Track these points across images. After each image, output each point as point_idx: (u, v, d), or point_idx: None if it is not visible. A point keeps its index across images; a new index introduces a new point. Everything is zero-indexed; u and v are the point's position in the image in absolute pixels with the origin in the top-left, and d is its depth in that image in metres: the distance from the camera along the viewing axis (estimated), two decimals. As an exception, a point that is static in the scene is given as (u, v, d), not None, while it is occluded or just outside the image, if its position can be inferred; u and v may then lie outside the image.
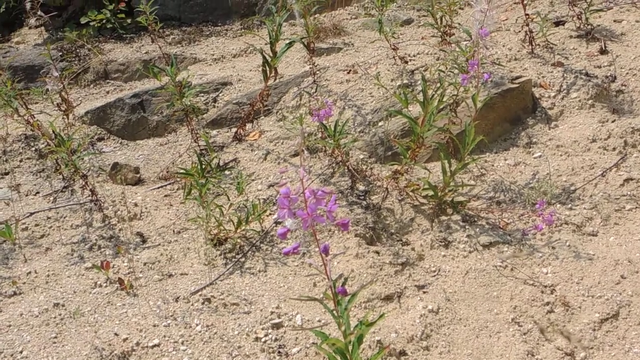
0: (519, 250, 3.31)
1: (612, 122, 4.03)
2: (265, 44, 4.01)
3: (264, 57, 3.86)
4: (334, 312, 2.20)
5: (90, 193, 3.80)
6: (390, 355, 2.82)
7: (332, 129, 3.57)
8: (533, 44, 4.61)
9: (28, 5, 4.46)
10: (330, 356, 2.37)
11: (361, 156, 3.96)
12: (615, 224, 3.43)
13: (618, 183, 3.64)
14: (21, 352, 2.93)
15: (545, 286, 3.09)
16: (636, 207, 3.51)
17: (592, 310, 2.95)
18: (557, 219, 3.45)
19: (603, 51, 4.57)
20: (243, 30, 5.71)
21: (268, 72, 3.89)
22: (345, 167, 3.82)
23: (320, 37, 5.09)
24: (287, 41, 3.83)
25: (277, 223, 3.52)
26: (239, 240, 3.49)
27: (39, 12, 4.44)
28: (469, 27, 3.81)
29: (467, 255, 3.32)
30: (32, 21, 6.48)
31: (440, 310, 3.01)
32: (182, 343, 2.90)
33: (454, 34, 4.65)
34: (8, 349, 2.95)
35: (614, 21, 4.90)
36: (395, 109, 3.84)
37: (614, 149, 3.85)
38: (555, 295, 3.04)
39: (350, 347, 2.27)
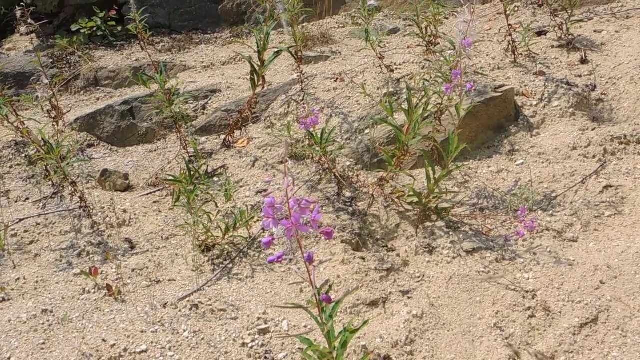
0: (501, 256, 3.32)
1: (592, 130, 4.05)
2: (254, 52, 4.01)
3: (252, 66, 3.85)
4: (319, 319, 2.19)
5: (79, 199, 3.78)
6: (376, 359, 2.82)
7: (319, 136, 3.57)
8: (516, 53, 4.63)
9: (19, 13, 4.44)
10: (315, 362, 2.37)
11: (348, 163, 3.96)
12: (594, 230, 3.45)
13: (598, 190, 3.66)
14: (9, 358, 2.90)
15: (527, 291, 3.09)
16: (615, 214, 3.52)
17: (572, 315, 2.95)
18: (538, 225, 3.46)
19: (583, 61, 4.60)
20: (232, 39, 5.70)
21: (256, 80, 3.89)
22: (332, 174, 3.82)
23: (309, 45, 5.09)
24: (275, 49, 3.82)
25: (264, 230, 3.51)
26: (226, 247, 3.48)
27: (30, 20, 4.42)
28: (452, 38, 3.82)
29: (450, 261, 3.32)
30: (23, 29, 6.45)
31: (424, 315, 3.01)
32: (170, 349, 2.88)
33: (438, 44, 4.66)
34: (-4, 355, 2.93)
35: (594, 31, 4.93)
36: (381, 117, 3.84)
37: (594, 156, 3.87)
38: (537, 301, 3.04)
39: (334, 353, 2.27)
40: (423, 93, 3.49)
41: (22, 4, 4.37)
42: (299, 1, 4.02)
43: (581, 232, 3.44)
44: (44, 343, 2.97)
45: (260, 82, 3.92)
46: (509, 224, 3.49)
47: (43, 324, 3.08)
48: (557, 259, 3.27)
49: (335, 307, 2.21)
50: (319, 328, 2.29)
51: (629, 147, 3.92)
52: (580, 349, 2.82)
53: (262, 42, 3.71)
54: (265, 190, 3.78)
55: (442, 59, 4.00)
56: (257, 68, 3.82)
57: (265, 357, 2.84)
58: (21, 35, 6.76)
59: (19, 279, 3.40)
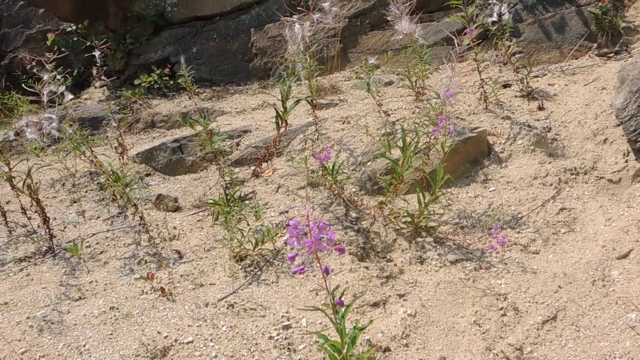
0: (479, 266, 3.26)
1: (549, 163, 4.00)
2: (278, 100, 4.00)
3: (276, 112, 3.84)
4: (333, 319, 2.15)
5: (139, 218, 3.76)
6: (377, 351, 2.77)
7: (331, 168, 3.55)
8: (487, 102, 4.60)
9: (94, 71, 4.47)
10: (329, 353, 2.32)
11: (353, 189, 3.93)
12: (553, 245, 3.39)
13: (554, 212, 3.60)
14: (84, 345, 2.87)
15: (500, 294, 3.04)
16: (569, 231, 3.47)
17: (536, 313, 2.89)
18: (508, 240, 3.41)
19: (541, 108, 4.56)
20: (260, 90, 5.71)
21: (280, 122, 3.87)
22: (341, 199, 3.78)
23: (321, 94, 5.08)
24: (295, 99, 3.81)
25: (286, 244, 3.48)
26: (256, 257, 3.44)
27: (102, 77, 4.44)
28: (437, 89, 3.80)
29: (438, 270, 3.27)
30: (98, 83, 6.49)
31: (417, 314, 2.95)
32: (211, 340, 2.84)
33: (425, 93, 4.64)
34: (74, 343, 2.89)
35: (548, 84, 4.90)
36: (380, 152, 3.81)
37: (551, 184, 3.82)
38: (508, 302, 2.98)
39: (345, 347, 2.22)
40: (414, 133, 3.47)
41: (97, 64, 4.40)
42: (313, 61, 4.02)
43: (542, 246, 3.39)
44: (111, 334, 2.93)
45: (283, 124, 3.91)
46: (485, 240, 3.44)
47: (110, 318, 3.04)
48: (523, 268, 3.21)
49: (346, 310, 2.17)
50: (333, 326, 2.25)
51: (578, 177, 3.87)
52: (542, 341, 2.76)
53: (285, 93, 3.71)
54: (286, 212, 3.74)
55: (429, 106, 3.98)
56: (280, 113, 3.81)
57: (288, 348, 2.79)
58: (95, 88, 6.79)
59: (91, 281, 3.38)
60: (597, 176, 3.86)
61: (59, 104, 3.74)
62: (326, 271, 1.95)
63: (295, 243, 1.90)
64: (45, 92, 3.70)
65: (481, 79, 4.60)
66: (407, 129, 4.08)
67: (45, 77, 3.73)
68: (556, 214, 3.58)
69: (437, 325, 2.90)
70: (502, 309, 2.94)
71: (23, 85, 3.92)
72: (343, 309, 2.14)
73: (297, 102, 3.80)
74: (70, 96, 3.71)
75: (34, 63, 3.81)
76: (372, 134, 4.23)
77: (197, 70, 5.94)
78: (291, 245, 1.90)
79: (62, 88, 3.61)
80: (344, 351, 2.23)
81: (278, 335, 2.85)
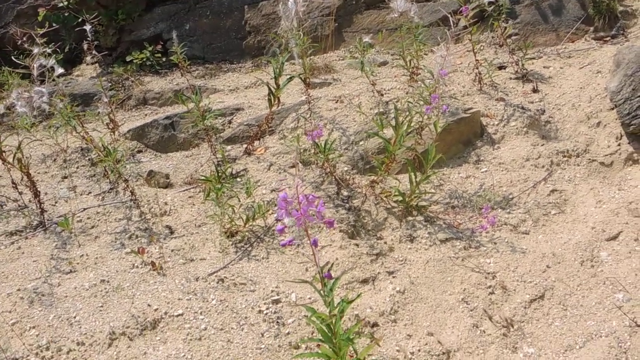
0: (468, 245, 3.31)
1: (542, 145, 4.04)
2: (271, 79, 3.99)
3: (269, 89, 3.84)
4: (322, 292, 2.18)
5: (130, 194, 3.78)
6: (366, 326, 2.81)
7: (323, 146, 3.56)
8: (481, 83, 4.62)
9: (85, 46, 4.44)
10: (318, 327, 2.35)
11: (345, 168, 3.95)
12: (543, 225, 3.43)
13: (545, 193, 3.64)
14: (75, 317, 2.90)
15: (488, 273, 3.08)
16: (559, 212, 3.51)
17: (524, 292, 2.94)
18: (498, 220, 3.45)
19: (535, 90, 4.59)
20: (253, 68, 5.69)
21: (272, 100, 3.88)
22: (333, 177, 3.81)
23: (315, 74, 5.08)
24: (288, 76, 3.81)
25: (278, 220, 3.50)
26: (247, 233, 3.47)
27: (94, 52, 4.42)
28: (431, 69, 3.82)
29: (427, 248, 3.31)
30: (89, 58, 6.45)
31: (406, 291, 3.00)
32: (201, 313, 2.88)
33: (420, 74, 4.65)
34: (64, 314, 2.92)
35: (544, 67, 4.92)
36: (373, 131, 3.83)
37: (543, 166, 3.86)
38: (496, 281, 3.03)
39: (333, 320, 2.26)
40: (407, 113, 3.48)
41: (88, 38, 4.37)
42: (307, 38, 4.01)
43: (532, 227, 3.43)
44: (102, 306, 2.97)
45: (276, 102, 3.91)
46: (475, 219, 3.48)
47: (101, 291, 3.07)
48: (512, 247, 3.26)
49: (335, 283, 2.20)
50: (322, 299, 2.28)
51: (570, 160, 3.91)
52: (529, 319, 2.81)
53: (278, 70, 3.70)
54: (278, 189, 3.77)
55: (423, 86, 3.99)
56: (273, 90, 3.81)
57: (277, 322, 2.83)
58: (87, 64, 6.75)
59: (82, 255, 3.40)
60: (590, 159, 3.89)
61: (50, 79, 3.73)
62: (315, 243, 1.98)
63: (285, 215, 1.92)
64: (35, 66, 3.69)
65: (476, 60, 4.61)
66: (401, 108, 4.10)
67: (36, 50, 3.71)
68: (547, 196, 3.62)
69: (425, 302, 2.95)
70: (490, 287, 2.99)
71: (13, 58, 3.90)
72: (331, 282, 2.17)
73: (290, 79, 3.80)
74: (61, 70, 3.68)
75: (24, 38, 3.78)
76: (365, 114, 4.24)
77: (190, 48, 5.91)
78: (280, 217, 1.92)
79: (53, 61, 3.59)
80: (332, 325, 2.26)
81: (267, 309, 2.89)
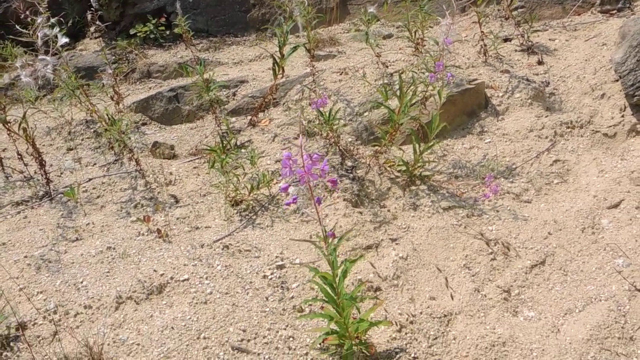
0: (471, 213, 3.34)
1: (546, 117, 4.05)
2: (275, 52, 4.01)
3: (274, 59, 3.86)
4: (325, 251, 2.23)
5: (135, 163, 3.82)
6: (369, 290, 2.86)
7: (327, 115, 3.59)
8: (486, 55, 4.62)
9: (89, 17, 4.46)
10: (321, 288, 2.41)
11: (349, 139, 3.98)
12: (545, 194, 3.47)
13: (548, 163, 3.67)
14: (82, 282, 2.97)
15: (490, 240, 3.12)
16: (561, 182, 3.54)
17: (525, 258, 2.99)
18: (501, 189, 3.48)
19: (540, 62, 4.59)
20: (258, 41, 5.70)
21: (277, 70, 3.90)
22: (337, 147, 3.84)
23: (319, 46, 5.08)
24: (293, 46, 3.83)
25: (283, 190, 3.54)
26: (251, 202, 3.52)
27: (97, 22, 4.44)
28: (437, 38, 3.82)
29: (430, 216, 3.35)
30: (92, 29, 6.44)
31: (408, 257, 3.05)
32: (206, 278, 2.93)
33: (425, 45, 4.65)
34: (72, 280, 2.99)
35: (549, 40, 4.90)
36: (377, 100, 3.85)
37: (547, 137, 3.88)
38: (498, 247, 3.07)
39: (337, 280, 2.31)
40: (412, 81, 3.50)
41: (91, 9, 4.39)
42: (312, 9, 4.02)
43: (534, 196, 3.46)
44: (108, 272, 3.03)
45: (280, 72, 3.93)
46: (478, 188, 3.52)
47: (107, 257, 3.13)
48: (515, 215, 3.30)
49: (338, 242, 2.25)
50: (325, 261, 2.33)
51: (574, 131, 3.92)
52: (530, 284, 2.86)
53: (282, 38, 3.72)
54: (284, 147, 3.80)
55: (428, 57, 4.00)
56: (277, 60, 3.83)
57: (282, 286, 2.89)
58: (90, 39, 6.75)
59: (88, 224, 3.46)
60: (593, 130, 3.91)
61: (54, 49, 3.74)
62: (318, 201, 2.02)
63: (289, 173, 1.96)
64: (39, 35, 3.71)
65: (482, 32, 4.61)
66: (405, 79, 4.11)
67: (39, 19, 3.73)
68: (550, 166, 3.65)
69: (427, 268, 3.00)
70: (492, 253, 3.03)
71: (17, 27, 3.91)
72: (335, 241, 2.22)
73: (295, 48, 3.82)
74: (65, 39, 3.69)
75: (28, 12, 3.80)
76: (370, 83, 4.25)
77: (194, 21, 5.91)
78: (284, 175, 1.96)
79: (56, 30, 3.61)
80: (335, 285, 2.32)
81: (272, 274, 2.95)
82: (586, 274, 2.86)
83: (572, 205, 3.29)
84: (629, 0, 5.35)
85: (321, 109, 3.44)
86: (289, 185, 2.00)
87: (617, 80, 4.12)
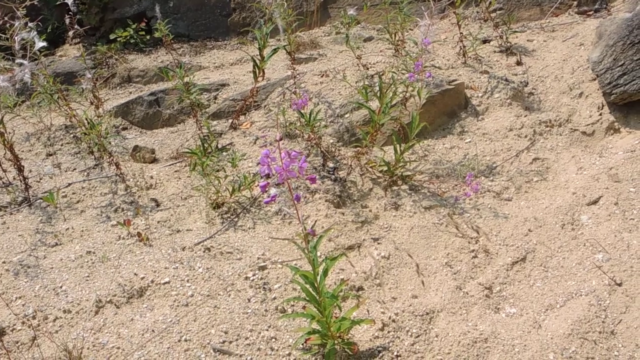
0: (452, 212, 3.36)
1: (525, 116, 4.09)
2: (256, 55, 4.00)
3: (254, 61, 3.85)
4: (305, 250, 2.22)
5: (115, 167, 3.78)
6: (351, 290, 2.86)
7: (308, 116, 3.59)
8: (466, 56, 4.66)
9: (67, 20, 4.42)
10: (302, 287, 2.40)
11: (331, 141, 3.98)
12: (525, 192, 3.49)
13: (528, 162, 3.70)
14: (61, 287, 2.93)
15: (472, 238, 3.14)
16: (541, 180, 3.57)
17: (506, 255, 3.00)
18: (481, 188, 3.50)
19: (519, 63, 4.63)
20: (239, 44, 5.69)
21: (257, 73, 3.89)
22: (318, 149, 3.84)
23: (300, 49, 5.09)
24: (273, 48, 3.82)
25: (261, 188, 3.53)
26: (233, 204, 3.50)
27: (76, 26, 4.40)
28: (416, 38, 3.84)
29: (412, 215, 3.35)
30: (71, 34, 6.39)
31: (390, 256, 3.05)
32: (188, 281, 2.91)
33: (405, 47, 4.68)
34: (51, 285, 2.95)
35: (527, 40, 4.96)
36: (358, 101, 3.86)
37: (526, 136, 3.91)
38: (479, 245, 3.09)
39: (317, 278, 2.30)
40: (392, 81, 3.51)
41: (70, 13, 4.35)
42: (292, 11, 4.02)
43: (515, 194, 3.49)
44: (88, 276, 2.99)
45: (261, 75, 3.92)
46: (459, 188, 3.53)
47: (87, 262, 3.10)
48: (495, 213, 3.31)
49: (319, 240, 2.24)
50: (306, 259, 2.32)
51: (552, 129, 3.96)
52: (511, 281, 2.87)
53: (262, 41, 3.71)
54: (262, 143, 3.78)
55: (407, 58, 4.02)
56: (258, 63, 3.83)
57: (264, 288, 2.87)
58: (70, 45, 6.69)
59: (68, 228, 3.41)
60: (572, 128, 3.95)
61: (31, 54, 3.70)
62: (297, 198, 2.01)
63: (267, 171, 1.96)
64: (17, 40, 3.67)
65: (461, 34, 4.64)
66: (385, 81, 4.12)
67: (17, 23, 3.69)
68: (529, 164, 3.68)
69: (409, 266, 3.00)
70: (473, 251, 3.05)
71: (-6, 33, 3.87)
72: (315, 239, 2.21)
73: (275, 50, 3.81)
74: (42, 43, 3.65)
75: (6, 17, 3.76)
76: (350, 85, 4.26)
77: (174, 25, 5.89)
78: (262, 172, 1.95)
79: (34, 34, 3.57)
80: (317, 283, 2.31)
81: (254, 276, 2.93)
82: (566, 270, 2.88)
83: (552, 202, 3.31)
84: (605, 1, 5.42)
85: (302, 110, 3.44)
86: (268, 183, 1.99)
87: (595, 79, 4.17)
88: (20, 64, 3.54)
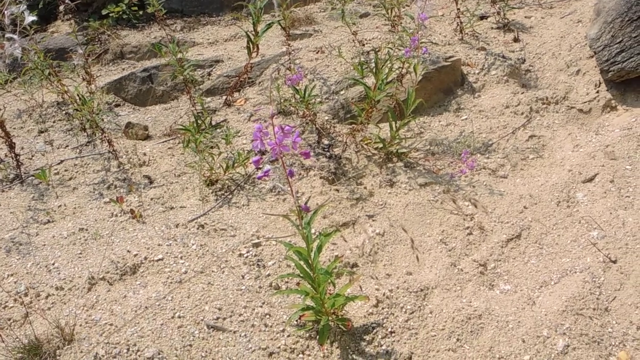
0: (447, 189, 3.33)
1: (522, 93, 4.05)
2: (250, 30, 3.94)
3: (248, 36, 3.79)
4: (299, 226, 2.20)
5: (108, 144, 3.73)
6: (345, 266, 2.84)
7: (303, 93, 3.54)
8: (463, 32, 4.60)
9: (58, -5, 4.32)
10: (296, 263, 2.38)
11: (326, 118, 3.94)
12: (521, 169, 3.47)
13: (524, 139, 3.67)
14: (53, 264, 2.90)
15: (467, 215, 3.12)
16: (537, 157, 3.54)
17: (501, 232, 2.99)
18: (477, 165, 3.48)
19: (516, 40, 4.58)
20: (233, 20, 5.60)
21: (252, 48, 3.82)
22: (313, 126, 3.80)
23: (295, 25, 5.01)
24: (268, 23, 3.76)
25: (254, 163, 3.50)
26: (227, 181, 3.47)
27: (67, 0, 4.31)
28: (412, 14, 3.78)
29: (407, 192, 3.33)
30: (62, 8, 6.28)
31: (385, 233, 3.03)
32: (181, 258, 2.89)
33: (401, 23, 4.61)
34: (43, 262, 2.92)
35: (525, 17, 4.90)
36: (354, 77, 3.81)
37: (522, 113, 3.88)
38: (474, 222, 3.07)
39: (311, 255, 2.28)
40: (387, 56, 3.46)
41: (60, -16, 4.26)
42: (287, -14, 3.94)
43: (510, 171, 3.46)
44: (80, 253, 2.97)
45: (255, 50, 3.86)
46: (455, 165, 3.51)
47: (80, 239, 3.07)
48: (491, 190, 3.29)
49: (313, 215, 2.21)
50: (300, 235, 2.29)
51: (549, 107, 3.93)
52: (506, 257, 2.86)
53: (256, 16, 3.65)
54: (254, 117, 3.75)
55: (404, 33, 3.96)
56: (252, 38, 3.76)
57: (258, 264, 2.86)
58: (62, 21, 6.58)
59: (60, 205, 3.38)
60: (568, 106, 3.92)
61: (20, 29, 3.62)
62: (290, 174, 1.98)
63: (260, 146, 1.92)
64: (6, 14, 3.59)
65: (458, 9, 4.57)
66: (381, 58, 4.06)
67: (6, -3, 3.61)
68: (526, 141, 3.65)
69: (404, 243, 2.98)
70: (468, 228, 3.03)
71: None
72: (309, 215, 2.18)
73: (270, 25, 3.74)
74: (32, 17, 3.58)
75: (-4, -6, 3.67)
76: (346, 61, 4.20)
77: (168, 1, 5.76)
78: (255, 148, 1.92)
79: (23, 7, 3.49)
80: (310, 260, 2.29)
81: (248, 252, 2.91)
82: (561, 247, 2.87)
83: (548, 179, 3.29)
84: (604, -22, 5.34)
85: (297, 86, 3.39)
86: (261, 159, 1.96)
87: (592, 57, 4.13)
88: (10, 39, 3.47)
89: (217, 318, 2.57)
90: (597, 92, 3.94)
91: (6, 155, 3.89)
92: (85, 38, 5.56)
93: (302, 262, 2.32)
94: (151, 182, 3.55)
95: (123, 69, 5.11)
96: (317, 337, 2.47)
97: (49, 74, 3.87)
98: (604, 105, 3.86)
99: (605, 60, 3.92)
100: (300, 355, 2.44)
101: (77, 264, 2.89)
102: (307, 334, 2.50)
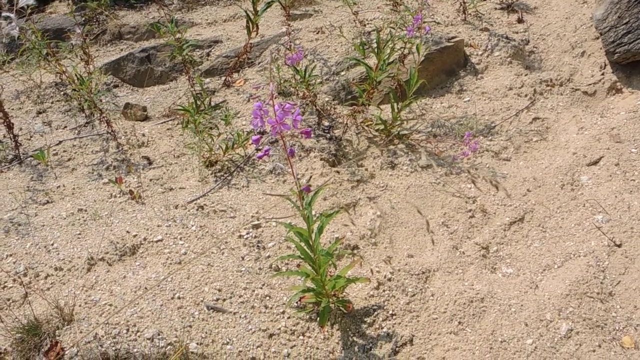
0: (449, 171, 3.30)
1: (525, 75, 3.99)
2: (250, 11, 3.87)
3: (247, 15, 3.73)
4: (300, 206, 2.16)
5: (107, 125, 3.69)
6: (346, 249, 2.82)
7: (303, 73, 3.49)
8: (466, 13, 4.53)
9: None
10: (297, 244, 2.35)
11: (326, 99, 3.89)
12: (524, 152, 3.43)
13: (528, 121, 3.63)
14: (52, 244, 2.87)
15: (469, 197, 3.09)
16: (541, 140, 3.50)
17: (504, 215, 2.96)
18: (480, 147, 3.44)
19: (520, 20, 4.51)
20: (232, 1, 5.52)
21: (251, 28, 3.76)
22: (314, 107, 3.75)
23: (295, 5, 4.93)
24: (267, 1, 3.69)
25: (254, 142, 3.46)
26: (226, 163, 3.43)
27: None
28: (414, -7, 3.72)
29: (409, 175, 3.30)
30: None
31: (386, 215, 3.00)
32: (180, 239, 2.86)
33: (403, 3, 4.54)
34: (42, 242, 2.89)
35: (530, -3, 4.83)
36: (355, 57, 3.75)
37: (526, 95, 3.83)
38: (476, 205, 3.04)
39: (312, 236, 2.25)
40: (389, 36, 3.40)
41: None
42: (287, -35, 3.87)
43: (513, 153, 3.42)
44: (79, 234, 2.94)
45: (255, 30, 3.80)
46: (457, 147, 3.46)
47: (79, 219, 3.04)
48: (493, 173, 3.26)
49: (314, 196, 2.18)
50: (301, 217, 2.26)
51: (553, 89, 3.88)
52: (509, 241, 2.84)
53: (256, -7, 3.58)
54: (253, 96, 3.70)
55: (406, 12, 3.90)
56: (251, 16, 3.70)
57: (258, 246, 2.83)
58: (60, 1, 6.51)
59: (59, 186, 3.35)
60: (573, 88, 3.87)
61: (18, 8, 3.56)
62: (291, 153, 1.94)
63: (260, 124, 1.88)
64: (3, -8, 3.53)
65: (461, -10, 4.50)
66: (383, 39, 4.01)
67: (3, -26, 3.55)
68: (529, 123, 3.60)
69: (405, 226, 2.95)
70: (470, 210, 3.00)
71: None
72: (310, 196, 2.15)
73: (269, 4, 3.68)
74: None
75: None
76: (347, 41, 4.14)
77: (167, -19, 5.70)
78: (255, 126, 1.88)
79: (21, -15, 3.43)
80: (311, 241, 2.26)
81: (248, 234, 2.88)
82: (565, 230, 2.84)
83: (552, 162, 3.25)
84: (609, -41, 5.25)
85: (297, 66, 3.33)
86: (261, 137, 1.92)
87: (598, 38, 4.06)
88: (7, 17, 3.41)
89: (217, 299, 2.55)
90: (603, 74, 3.88)
91: (4, 136, 3.85)
92: (83, 18, 5.48)
93: (302, 244, 2.29)
94: (150, 163, 3.51)
95: (121, 50, 5.04)
96: (318, 319, 2.45)
97: (46, 54, 3.81)
98: (609, 87, 3.80)
99: (611, 42, 3.86)
100: (301, 337, 2.42)
101: (76, 244, 2.86)
102: (308, 316, 2.48)
